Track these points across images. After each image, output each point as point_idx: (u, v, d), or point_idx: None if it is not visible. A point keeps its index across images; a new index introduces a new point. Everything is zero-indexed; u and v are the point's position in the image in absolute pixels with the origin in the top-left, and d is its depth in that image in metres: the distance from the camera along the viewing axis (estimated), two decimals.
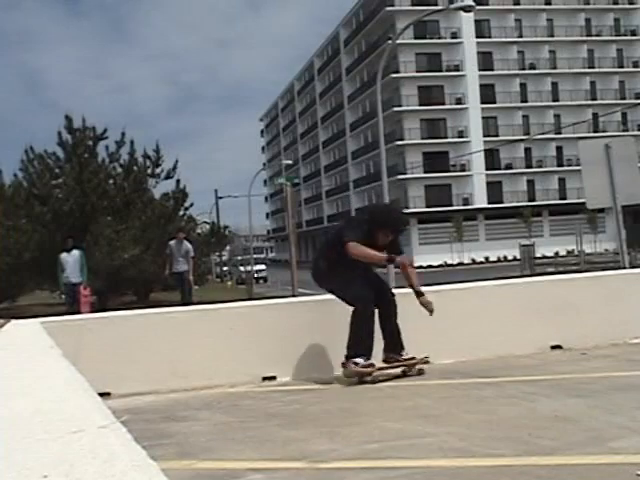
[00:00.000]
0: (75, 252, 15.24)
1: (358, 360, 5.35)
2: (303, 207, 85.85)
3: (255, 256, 40.28)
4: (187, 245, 15.69)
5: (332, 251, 5.68)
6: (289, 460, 3.30)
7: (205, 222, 42.05)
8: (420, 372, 5.57)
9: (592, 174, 9.49)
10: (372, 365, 5.42)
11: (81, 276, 15.06)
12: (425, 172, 59.99)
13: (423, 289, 5.55)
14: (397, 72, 59.49)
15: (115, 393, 5.11)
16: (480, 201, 60.89)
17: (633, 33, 65.37)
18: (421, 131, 61.15)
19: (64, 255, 15.13)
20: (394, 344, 5.58)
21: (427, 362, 5.67)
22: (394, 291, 5.85)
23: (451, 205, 60.23)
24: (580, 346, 6.20)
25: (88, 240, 20.38)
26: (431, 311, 5.42)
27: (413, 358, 5.57)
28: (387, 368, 5.55)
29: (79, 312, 12.51)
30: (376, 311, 5.51)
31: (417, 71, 60.77)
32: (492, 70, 61.95)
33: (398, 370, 5.57)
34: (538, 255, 44.54)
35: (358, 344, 5.39)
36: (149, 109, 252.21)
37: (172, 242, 15.68)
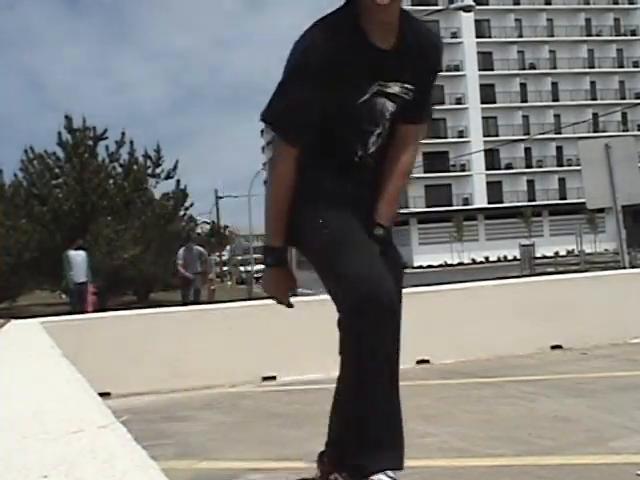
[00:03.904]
0: (81, 252, 15.19)
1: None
2: None
3: (255, 256, 40.27)
4: (199, 248, 15.84)
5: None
6: (289, 460, 3.29)
7: (205, 222, 42.07)
8: None
9: (592, 174, 9.49)
10: None
11: (87, 276, 15.01)
12: (425, 172, 59.94)
13: (424, 289, 5.53)
14: None
15: (115, 393, 5.10)
16: (480, 201, 60.88)
17: (633, 33, 65.39)
18: None
19: (72, 253, 14.91)
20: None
21: None
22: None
23: (451, 205, 60.23)
24: (580, 346, 6.20)
25: (88, 240, 20.38)
26: None
27: None
28: None
29: (85, 312, 12.42)
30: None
31: None
32: (492, 70, 61.96)
33: None
34: (538, 255, 44.51)
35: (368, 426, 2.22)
36: (150, 109, 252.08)
37: (185, 247, 15.59)
